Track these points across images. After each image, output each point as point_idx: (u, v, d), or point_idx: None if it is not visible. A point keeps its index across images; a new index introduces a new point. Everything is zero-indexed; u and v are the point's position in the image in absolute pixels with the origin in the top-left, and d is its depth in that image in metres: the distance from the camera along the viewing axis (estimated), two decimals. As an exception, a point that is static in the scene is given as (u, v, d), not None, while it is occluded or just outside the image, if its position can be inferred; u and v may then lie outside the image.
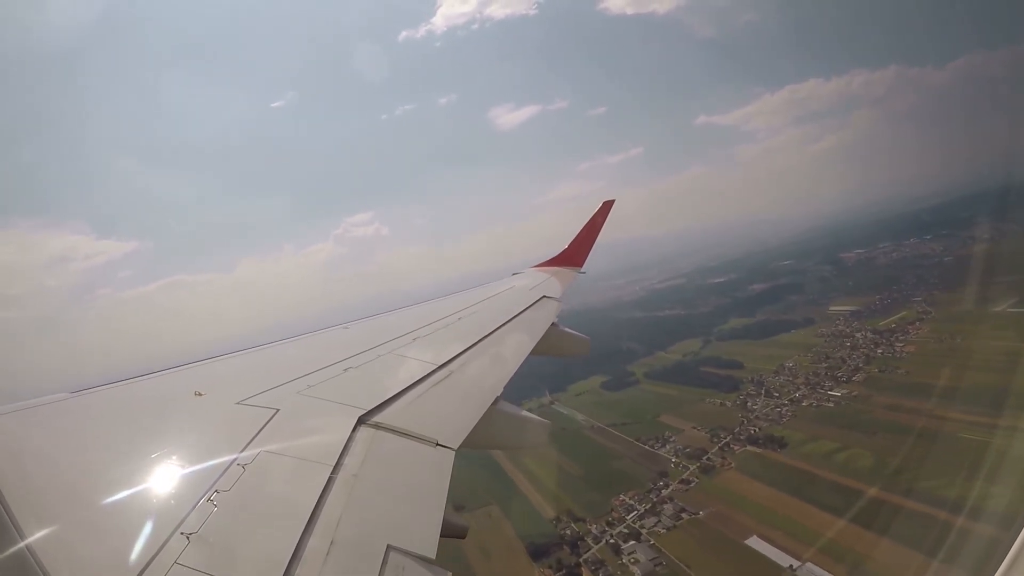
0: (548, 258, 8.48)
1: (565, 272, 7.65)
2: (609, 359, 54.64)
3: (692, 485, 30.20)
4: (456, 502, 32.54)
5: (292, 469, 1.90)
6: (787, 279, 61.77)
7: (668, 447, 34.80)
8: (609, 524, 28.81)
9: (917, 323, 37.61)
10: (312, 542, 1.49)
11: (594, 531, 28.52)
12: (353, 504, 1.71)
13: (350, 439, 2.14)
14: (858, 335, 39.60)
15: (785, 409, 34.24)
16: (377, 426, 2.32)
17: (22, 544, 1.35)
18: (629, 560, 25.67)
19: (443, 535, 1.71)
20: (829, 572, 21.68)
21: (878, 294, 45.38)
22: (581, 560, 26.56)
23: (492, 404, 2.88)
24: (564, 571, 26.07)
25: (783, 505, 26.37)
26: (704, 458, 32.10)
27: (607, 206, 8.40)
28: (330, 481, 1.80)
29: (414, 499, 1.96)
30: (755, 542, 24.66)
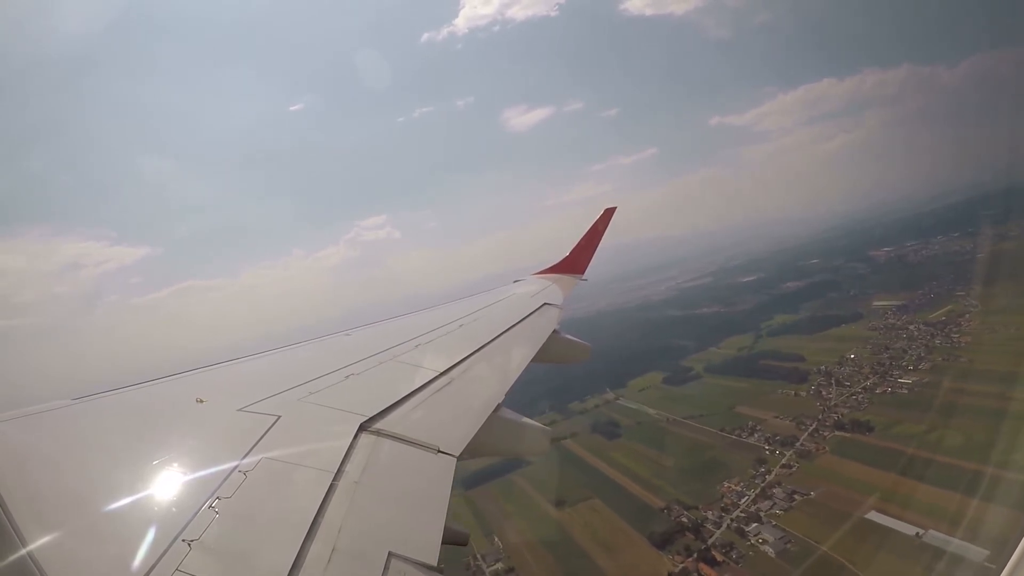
0: (550, 265, 8.72)
1: (567, 279, 7.87)
2: (661, 355, 57.34)
3: (793, 469, 32.90)
4: (555, 497, 34.23)
5: (294, 476, 1.96)
6: (821, 277, 66.42)
7: (756, 436, 37.53)
8: (724, 510, 31.15)
9: (966, 315, 41.92)
10: (314, 549, 1.52)
11: (711, 517, 30.77)
12: (355, 511, 1.75)
13: (351, 446, 2.19)
14: (911, 327, 43.67)
15: (861, 397, 37.59)
16: (379, 433, 2.36)
17: (24, 551, 1.37)
18: (757, 541, 28.03)
19: (445, 542, 1.77)
20: (953, 537, 24.62)
21: (919, 289, 49.75)
22: (710, 543, 28.72)
23: (494, 411, 2.97)
24: (695, 555, 28.16)
25: (889, 482, 29.24)
26: (797, 444, 34.96)
27: (608, 213, 8.59)
28: (332, 488, 1.84)
29: (416, 506, 2.03)
30: (875, 516, 27.47)
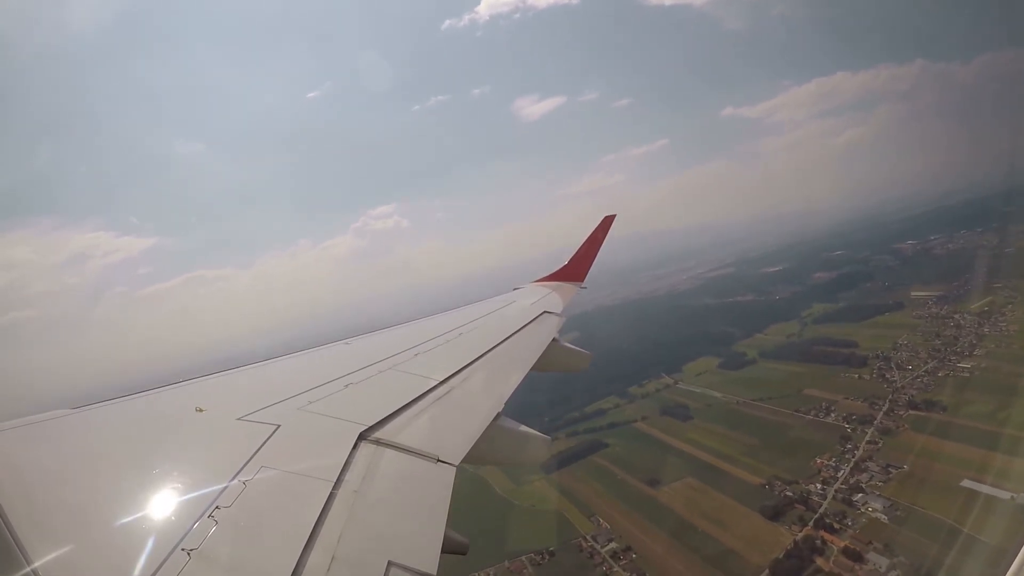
0: (551, 271, 9.02)
1: (566, 287, 8.10)
2: (709, 341, 60.61)
3: (879, 445, 36.47)
4: (650, 478, 36.44)
5: (293, 485, 2.03)
6: (850, 268, 71.87)
7: (832, 415, 41.07)
8: (824, 483, 34.24)
9: (1009, 306, 47.08)
10: (313, 558, 1.58)
11: (815, 490, 33.78)
12: (354, 520, 1.82)
13: (351, 455, 2.27)
14: (956, 316, 48.75)
15: (925, 379, 41.85)
16: (378, 442, 2.44)
17: (23, 561, 1.42)
18: (867, 510, 31.19)
19: (444, 551, 1.84)
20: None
21: (954, 281, 55.38)
22: (821, 513, 31.67)
23: (493, 420, 3.07)
24: (812, 524, 31.01)
25: (975, 454, 33.07)
26: (875, 422, 38.69)
27: (608, 221, 8.86)
28: (331, 497, 1.92)
29: (415, 515, 2.09)
30: (969, 483, 31.26)
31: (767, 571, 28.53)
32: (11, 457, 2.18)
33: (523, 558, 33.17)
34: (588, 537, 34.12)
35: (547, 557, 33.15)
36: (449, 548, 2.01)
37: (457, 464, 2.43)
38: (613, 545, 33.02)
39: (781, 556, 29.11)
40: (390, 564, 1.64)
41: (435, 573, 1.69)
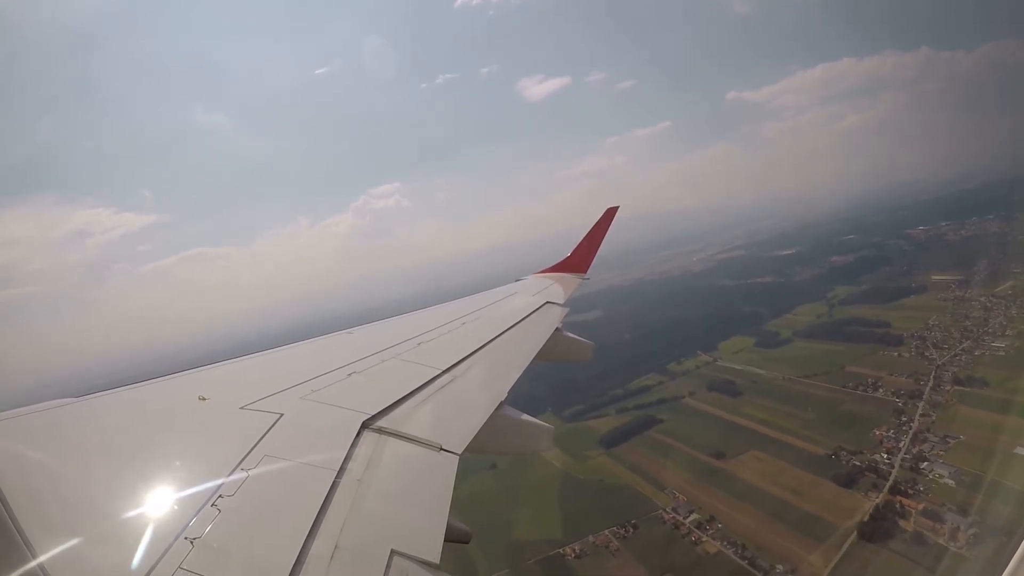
0: (550, 261, 9.19)
1: (569, 278, 8.27)
2: (740, 321, 62.80)
3: (933, 418, 39.26)
4: (715, 451, 37.97)
5: (296, 474, 2.08)
6: (865, 252, 75.65)
7: (880, 391, 43.73)
8: (888, 452, 36.62)
9: (1031, 290, 51.38)
10: (316, 547, 1.62)
11: (881, 459, 36.06)
12: (357, 509, 1.87)
13: (354, 444, 2.34)
14: (981, 299, 52.57)
15: (964, 357, 45.12)
16: (381, 431, 2.52)
17: (27, 551, 1.47)
18: (935, 476, 33.68)
19: (447, 540, 1.89)
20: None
21: (972, 266, 59.36)
22: (893, 479, 33.92)
23: (496, 409, 3.17)
24: (887, 489, 33.18)
25: (1022, 424, 36.43)
26: (925, 396, 41.52)
27: (611, 213, 8.99)
28: (334, 486, 1.97)
29: (418, 504, 2.15)
30: (1021, 450, 34.27)
31: (855, 533, 30.41)
32: (14, 447, 2.21)
33: (606, 532, 33.78)
34: (668, 509, 35.11)
35: (631, 531, 33.89)
36: (452, 537, 2.05)
37: (460, 453, 2.48)
38: (695, 516, 34.12)
39: (866, 519, 31.07)
40: (393, 553, 1.67)
41: (438, 562, 1.72)
